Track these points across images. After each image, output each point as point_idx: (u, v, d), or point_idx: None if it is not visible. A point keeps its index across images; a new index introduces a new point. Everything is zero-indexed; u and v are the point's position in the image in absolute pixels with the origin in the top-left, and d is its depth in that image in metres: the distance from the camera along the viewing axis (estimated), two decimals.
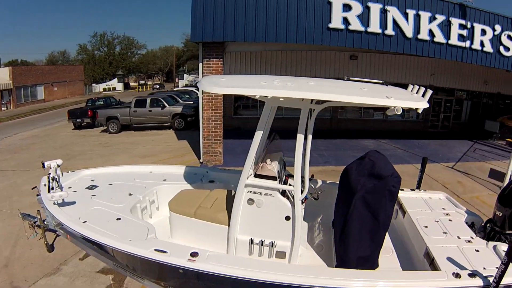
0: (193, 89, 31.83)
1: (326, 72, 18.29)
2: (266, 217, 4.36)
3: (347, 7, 11.50)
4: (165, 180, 5.84)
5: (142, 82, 68.51)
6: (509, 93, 21.74)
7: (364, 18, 11.75)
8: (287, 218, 4.32)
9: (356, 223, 4.24)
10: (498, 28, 12.98)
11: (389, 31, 12.06)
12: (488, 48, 12.96)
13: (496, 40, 13.09)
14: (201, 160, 12.66)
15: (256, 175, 4.35)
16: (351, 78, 4.52)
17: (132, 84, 68.48)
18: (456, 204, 5.75)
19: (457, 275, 3.85)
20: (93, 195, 5.09)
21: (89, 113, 21.05)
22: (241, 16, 10.80)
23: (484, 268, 3.97)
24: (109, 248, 4.22)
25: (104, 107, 21.67)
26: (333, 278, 3.75)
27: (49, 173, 5.02)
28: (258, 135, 4.22)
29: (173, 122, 19.76)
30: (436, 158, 14.30)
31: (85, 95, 50.44)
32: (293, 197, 4.34)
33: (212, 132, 12.44)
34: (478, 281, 3.80)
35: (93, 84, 60.06)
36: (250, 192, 4.32)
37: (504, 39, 13.15)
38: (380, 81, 4.54)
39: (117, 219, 4.55)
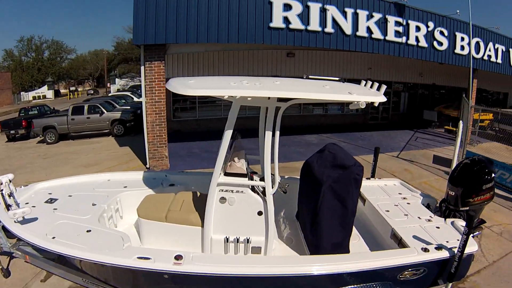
0: (128, 93, 30.85)
1: (264, 71, 18.45)
2: (239, 214, 4.44)
3: (287, 7, 11.57)
4: (125, 187, 5.73)
5: (73, 88, 64.93)
6: (443, 83, 23.38)
7: (304, 17, 11.89)
8: (260, 213, 4.42)
9: (326, 212, 4.44)
10: (431, 24, 13.89)
11: (329, 29, 12.32)
12: (422, 43, 13.80)
13: (430, 36, 13.94)
14: (147, 166, 12.19)
15: (226, 174, 4.41)
16: (310, 76, 4.81)
17: (62, 91, 64.25)
18: (410, 189, 6.37)
19: (426, 250, 4.30)
20: (54, 209, 4.83)
21: (23, 123, 19.42)
22: (183, 18, 10.50)
23: (447, 242, 4.46)
24: (85, 263, 4.06)
25: (39, 116, 20.11)
26: (317, 264, 4.03)
27: (1, 190, 4.62)
28: (228, 135, 4.28)
29: (112, 128, 18.91)
30: (381, 149, 14.86)
31: (14, 105, 46.87)
32: (262, 193, 4.43)
33: (157, 136, 12.00)
34: (445, 253, 4.27)
35: (21, 93, 55.78)
36: (222, 190, 4.37)
37: (437, 34, 14.10)
38: (337, 78, 4.73)
39: (87, 231, 4.35)
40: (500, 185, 9.99)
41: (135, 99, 27.95)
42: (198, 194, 5.17)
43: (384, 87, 4.15)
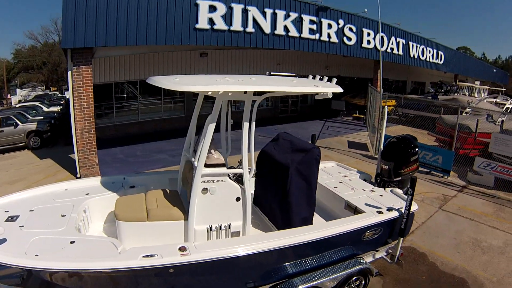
0: (37, 103, 28.67)
1: (179, 70, 18.49)
2: (220, 202, 4.72)
3: (212, 8, 12.02)
4: (87, 194, 5.58)
5: None
6: (347, 75, 25.61)
7: (228, 17, 12.44)
8: (237, 199, 4.80)
9: (295, 190, 5.04)
10: (341, 22, 15.40)
11: (250, 28, 13.06)
12: (334, 39, 15.30)
13: (340, 32, 15.41)
14: (78, 175, 11.75)
15: (206, 165, 4.61)
16: (272, 73, 5.38)
17: None
18: (347, 168, 7.45)
19: (380, 212, 5.32)
20: (20, 226, 4.44)
21: None
22: (112, 20, 10.33)
23: (393, 205, 5.53)
24: (85, 273, 3.85)
25: None
26: (301, 233, 4.66)
27: None
28: (211, 128, 4.56)
29: (28, 141, 17.56)
30: None
31: None
32: (237, 180, 4.83)
33: (86, 143, 11.61)
34: (395, 213, 5.33)
35: None
36: (204, 182, 4.59)
37: (346, 31, 15.64)
38: (293, 74, 5.39)
39: (71, 242, 4.13)
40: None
41: (45, 108, 26.12)
42: (168, 191, 5.36)
43: (334, 80, 5.02)
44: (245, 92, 4.72)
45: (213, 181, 4.66)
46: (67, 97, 36.68)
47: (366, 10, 16.18)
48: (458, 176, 11.17)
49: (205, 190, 4.63)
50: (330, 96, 4.82)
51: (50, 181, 11.45)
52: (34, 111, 23.55)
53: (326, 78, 5.24)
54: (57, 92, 44.01)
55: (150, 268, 3.86)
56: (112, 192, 5.74)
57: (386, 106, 8.76)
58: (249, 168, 4.84)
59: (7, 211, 4.85)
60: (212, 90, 4.32)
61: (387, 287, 5.75)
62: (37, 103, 28.29)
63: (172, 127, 18.16)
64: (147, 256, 3.89)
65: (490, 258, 6.75)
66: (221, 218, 4.79)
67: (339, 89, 4.95)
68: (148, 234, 4.62)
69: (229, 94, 4.57)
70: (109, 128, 18.46)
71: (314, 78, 5.56)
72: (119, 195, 5.64)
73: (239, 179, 4.92)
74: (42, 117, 20.32)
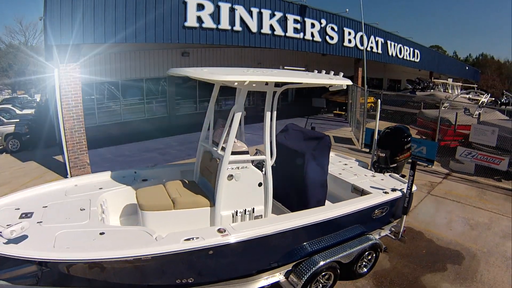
0: (10, 106, 27.79)
1: (162, 71, 18.66)
2: (244, 187, 4.92)
3: (200, 7, 12.17)
4: (101, 188, 5.55)
5: None
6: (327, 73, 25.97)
7: (215, 16, 12.63)
8: (260, 184, 5.01)
9: (311, 174, 5.37)
10: (323, 21, 15.83)
11: (237, 27, 13.26)
12: (317, 38, 15.68)
13: (322, 31, 15.87)
14: (68, 176, 11.58)
15: (232, 153, 4.78)
16: (285, 67, 5.68)
17: None
18: (346, 157, 7.87)
19: (385, 192, 5.80)
20: (39, 222, 4.29)
21: None
22: (100, 18, 10.36)
23: (395, 186, 6.05)
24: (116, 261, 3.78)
25: None
26: (325, 211, 5.06)
27: None
28: (238, 117, 4.76)
29: (7, 144, 17.10)
30: None
31: None
32: (257, 167, 5.06)
33: (76, 143, 11.46)
34: (398, 193, 5.84)
35: None
36: (229, 168, 4.76)
37: (328, 30, 16.10)
38: (303, 69, 5.74)
39: (101, 233, 4.08)
40: None
41: (18, 111, 25.36)
42: (186, 181, 5.49)
43: (341, 74, 5.46)
44: (267, 84, 4.93)
45: (237, 167, 4.84)
46: (38, 100, 35.62)
47: (347, 10, 16.76)
48: (442, 165, 11.82)
49: (230, 177, 4.80)
50: (344, 88, 5.32)
51: (37, 183, 11.21)
52: (8, 114, 22.85)
53: (332, 73, 5.62)
54: (26, 95, 42.51)
55: (193, 251, 3.94)
56: (126, 186, 5.77)
57: (380, 101, 9.19)
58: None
59: (18, 209, 4.68)
60: (239, 80, 4.47)
61: (392, 261, 6.15)
62: (9, 106, 27.40)
63: (156, 127, 18.12)
64: (188, 239, 3.97)
65: (478, 233, 7.41)
66: (245, 203, 4.98)
67: (349, 82, 5.42)
68: (174, 223, 4.68)
69: (253, 85, 4.79)
70: (92, 129, 18.20)
71: (320, 72, 5.92)
72: (134, 188, 5.65)
73: (258, 165, 5.17)
74: (18, 120, 19.76)
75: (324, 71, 5.86)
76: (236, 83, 4.65)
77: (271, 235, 4.38)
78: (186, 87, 20.10)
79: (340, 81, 5.23)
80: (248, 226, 4.41)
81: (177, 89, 19.82)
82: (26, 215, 4.47)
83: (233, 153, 4.79)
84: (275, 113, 5.09)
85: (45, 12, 9.86)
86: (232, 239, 4.12)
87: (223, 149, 4.93)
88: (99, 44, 11.24)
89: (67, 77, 10.69)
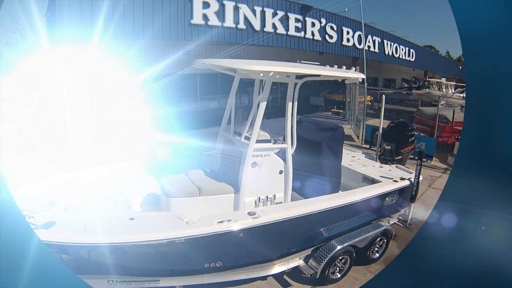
0: None
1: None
2: (266, 174, 5.14)
3: (206, 5, 12.45)
4: (121, 177, 5.65)
5: None
6: None
7: (220, 14, 12.90)
8: (280, 172, 5.27)
9: (327, 162, 5.72)
10: (323, 21, 16.16)
11: (241, 25, 13.55)
12: (317, 37, 15.99)
13: (322, 30, 16.21)
14: None
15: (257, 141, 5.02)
16: (302, 61, 5.86)
17: None
18: (352, 150, 8.18)
19: (395, 181, 6.15)
20: (65, 209, 4.24)
21: None
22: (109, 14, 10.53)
23: (403, 176, 6.41)
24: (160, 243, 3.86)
25: None
26: (332, 199, 5.26)
27: None
28: (263, 106, 5.02)
29: None
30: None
31: None
32: (278, 154, 5.29)
33: None
34: (406, 182, 6.23)
35: None
36: (253, 156, 4.98)
37: (328, 29, 16.43)
38: (318, 63, 5.97)
39: (130, 219, 4.10)
40: None
41: None
42: (207, 170, 5.65)
43: (353, 68, 5.84)
44: (288, 76, 5.18)
45: (261, 155, 5.05)
46: None
47: (346, 9, 17.12)
48: (440, 160, 12.20)
49: (254, 164, 5.00)
50: (360, 81, 5.64)
51: None
52: None
53: (344, 67, 5.88)
54: None
55: (226, 233, 4.10)
56: (146, 175, 5.95)
57: (384, 97, 9.58)
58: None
59: (41, 197, 4.56)
60: (264, 70, 4.72)
61: (401, 247, 6.47)
62: None
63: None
64: (221, 222, 4.12)
65: None
66: (267, 190, 5.20)
67: (364, 76, 5.83)
68: (199, 209, 4.73)
69: (277, 76, 5.02)
70: None
71: (332, 67, 6.23)
72: (155, 178, 5.80)
73: (278, 154, 5.39)
74: None
75: (336, 66, 6.14)
76: (261, 74, 4.90)
77: (297, 217, 4.64)
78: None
79: (356, 75, 5.56)
80: (275, 210, 4.65)
81: None
82: (50, 203, 4.38)
83: (256, 141, 5.00)
84: (296, 103, 5.37)
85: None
86: (263, 221, 4.33)
87: (246, 138, 5.13)
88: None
89: None
